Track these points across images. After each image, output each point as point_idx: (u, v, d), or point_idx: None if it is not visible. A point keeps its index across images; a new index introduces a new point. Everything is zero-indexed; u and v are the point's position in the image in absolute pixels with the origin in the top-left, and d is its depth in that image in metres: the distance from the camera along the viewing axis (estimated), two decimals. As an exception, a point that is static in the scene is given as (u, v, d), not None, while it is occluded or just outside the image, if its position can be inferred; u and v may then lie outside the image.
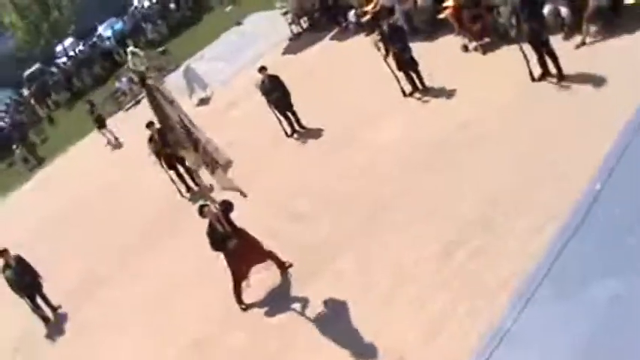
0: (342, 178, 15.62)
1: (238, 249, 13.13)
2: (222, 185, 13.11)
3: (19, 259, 17.64)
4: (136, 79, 30.77)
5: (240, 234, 13.24)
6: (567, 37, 15.55)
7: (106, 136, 29.72)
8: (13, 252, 17.74)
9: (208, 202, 13.22)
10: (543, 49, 14.43)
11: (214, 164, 12.81)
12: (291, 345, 11.93)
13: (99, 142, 30.26)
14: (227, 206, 13.06)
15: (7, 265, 17.45)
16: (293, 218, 15.19)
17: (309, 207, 15.36)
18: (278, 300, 13.17)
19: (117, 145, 28.92)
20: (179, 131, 12.64)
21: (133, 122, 27.49)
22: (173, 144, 13.35)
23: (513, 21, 14.83)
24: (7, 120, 40.89)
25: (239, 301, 13.47)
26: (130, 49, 12.71)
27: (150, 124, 19.17)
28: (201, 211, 13.08)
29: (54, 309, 17.88)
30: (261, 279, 13.65)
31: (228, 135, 20.72)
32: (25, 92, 44.40)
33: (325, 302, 12.32)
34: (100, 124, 30.05)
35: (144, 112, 28.28)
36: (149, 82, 12.81)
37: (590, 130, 12.22)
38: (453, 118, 15.27)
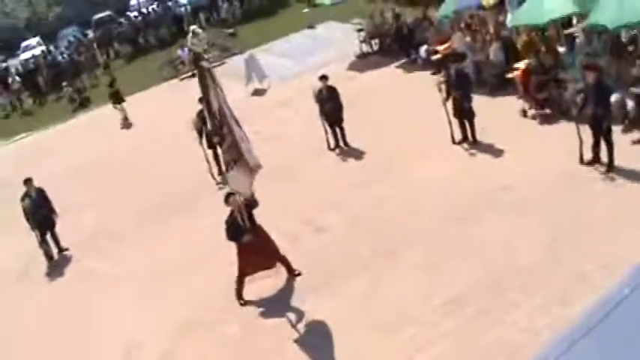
0: (373, 204, 15.70)
1: (251, 245, 13.24)
2: (233, 186, 13.14)
3: (40, 192, 17.96)
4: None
5: (258, 232, 13.37)
6: (627, 131, 15.48)
7: (121, 112, 29.15)
8: (36, 184, 18.06)
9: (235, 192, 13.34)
10: (601, 136, 14.37)
11: (233, 163, 12.86)
12: (279, 349, 11.99)
13: (145, 102, 30.59)
14: (252, 202, 13.19)
15: (27, 194, 17.77)
16: (316, 230, 15.30)
17: (335, 223, 15.49)
18: (279, 304, 13.25)
19: (126, 124, 28.69)
20: (215, 120, 12.79)
21: (179, 95, 27.90)
22: (211, 129, 13.49)
23: (578, 100, 14.75)
24: (65, 56, 41.30)
25: (239, 295, 13.57)
26: (193, 27, 12.82)
27: (202, 99, 19.28)
28: (227, 199, 13.20)
29: (60, 250, 18.13)
30: (268, 280, 13.76)
31: (270, 130, 21.03)
32: (90, 35, 44.80)
33: (324, 318, 12.37)
34: (117, 99, 29.47)
35: (193, 85, 28.72)
36: (203, 63, 12.95)
37: (626, 228, 12.19)
38: (493, 178, 15.29)
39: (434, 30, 24.48)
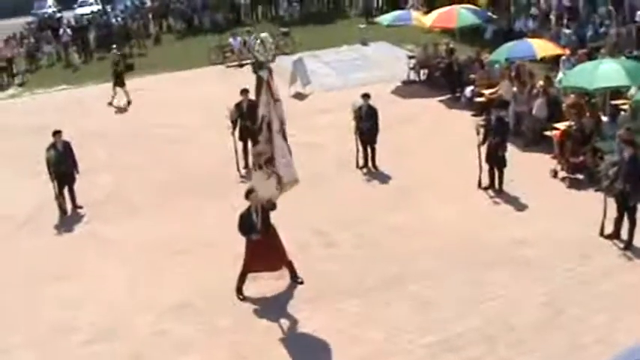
0: (387, 231, 15.73)
1: (261, 244, 13.33)
2: (256, 186, 13.34)
3: (67, 146, 18.21)
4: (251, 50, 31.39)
5: (270, 232, 13.47)
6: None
7: (119, 94, 28.47)
8: (66, 137, 18.32)
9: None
10: (626, 212, 14.33)
11: (260, 166, 13.18)
12: (264, 350, 12.06)
13: (188, 81, 30.78)
14: (272, 205, 13.32)
15: (53, 146, 18.01)
16: (327, 244, 15.35)
17: (346, 241, 15.56)
18: (274, 307, 13.31)
19: (122, 108, 28.20)
20: (263, 128, 12.98)
21: (222, 82, 28.06)
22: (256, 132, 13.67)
23: (611, 172, 14.66)
24: (119, 19, 41.58)
25: (239, 290, 13.63)
26: (263, 35, 13.08)
27: (244, 91, 19.51)
28: (248, 194, 13.30)
29: (75, 206, 18.33)
30: (270, 282, 13.86)
31: (303, 137, 21.02)
32: (148, 3, 45.06)
33: (314, 331, 12.44)
34: (120, 80, 28.69)
35: (238, 75, 28.93)
36: (262, 73, 13.20)
37: (630, 310, 12.15)
38: (510, 230, 15.31)
39: (483, 73, 24.47)
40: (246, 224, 13.29)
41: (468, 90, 24.12)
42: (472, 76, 24.67)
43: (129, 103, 28.32)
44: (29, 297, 14.35)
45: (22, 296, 14.42)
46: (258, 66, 13.45)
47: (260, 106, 13.03)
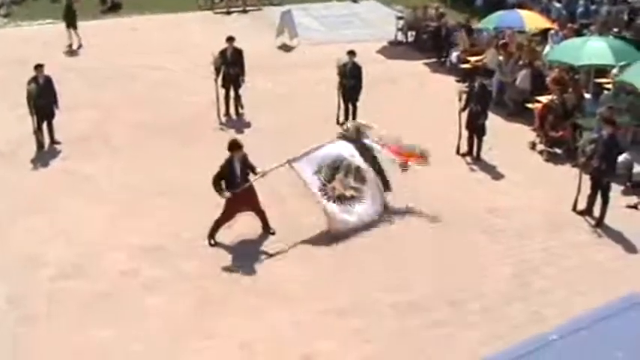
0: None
1: (240, 196, 13.36)
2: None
3: (48, 80, 18.06)
4: None
5: (249, 188, 13.52)
6: (626, 193, 15.57)
7: (72, 37, 27.68)
8: (48, 72, 18.13)
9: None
10: (599, 190, 14.46)
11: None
12: (225, 298, 12.19)
13: (173, 25, 30.50)
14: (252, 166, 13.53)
15: (34, 79, 17.83)
16: (301, 195, 15.29)
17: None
18: (243, 255, 13.39)
19: (72, 51, 27.38)
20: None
21: (208, 27, 27.86)
22: None
23: (588, 149, 14.76)
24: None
25: (211, 236, 13.67)
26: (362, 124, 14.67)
27: (230, 39, 19.45)
28: (233, 145, 13.29)
29: (53, 142, 18.24)
30: (244, 231, 13.98)
31: (286, 88, 21.11)
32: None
33: (285, 282, 12.57)
34: (71, 22, 27.69)
35: (225, 22, 28.71)
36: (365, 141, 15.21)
37: (592, 285, 12.39)
38: (484, 198, 15.47)
39: (468, 39, 24.46)
40: (224, 178, 13.28)
41: (454, 55, 24.12)
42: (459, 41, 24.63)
43: (79, 46, 27.65)
44: (1, 228, 14.33)
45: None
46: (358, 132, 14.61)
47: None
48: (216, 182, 13.23)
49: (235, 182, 13.30)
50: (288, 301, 12.03)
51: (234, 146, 13.31)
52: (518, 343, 10.93)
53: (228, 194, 13.27)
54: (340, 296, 12.14)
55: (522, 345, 10.87)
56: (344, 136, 15.09)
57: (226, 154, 13.31)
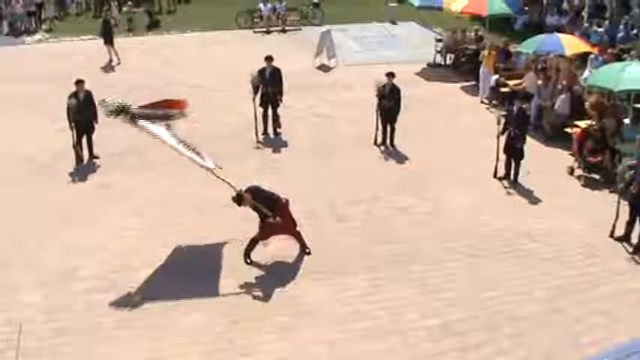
0: (397, 211, 15.88)
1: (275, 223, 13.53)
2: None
3: (89, 95, 18.26)
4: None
5: (282, 211, 13.64)
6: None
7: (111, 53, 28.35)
8: (87, 87, 18.40)
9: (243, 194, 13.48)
10: (637, 217, 14.27)
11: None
12: (263, 315, 12.16)
13: (213, 42, 30.72)
14: (255, 190, 13.60)
15: (75, 94, 18.10)
16: (337, 218, 15.36)
17: (357, 217, 15.64)
18: (280, 275, 13.43)
19: (112, 66, 27.89)
20: None
21: (248, 46, 28.02)
22: None
23: (627, 176, 14.60)
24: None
25: (247, 254, 13.72)
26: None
27: (269, 58, 19.59)
28: (239, 199, 13.43)
29: (92, 156, 18.47)
30: (278, 252, 14.04)
31: (324, 109, 21.13)
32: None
33: (315, 301, 12.56)
34: (108, 38, 28.37)
35: (264, 41, 28.88)
36: None
37: (628, 314, 12.23)
38: (521, 222, 15.34)
39: (506, 61, 24.38)
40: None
41: (493, 79, 24.00)
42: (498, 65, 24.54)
43: (118, 63, 28.13)
44: (40, 240, 14.49)
45: (33, 239, 14.57)
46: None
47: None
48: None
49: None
50: (322, 321, 12.02)
51: (237, 200, 13.48)
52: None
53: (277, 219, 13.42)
54: (375, 317, 12.08)
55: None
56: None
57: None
